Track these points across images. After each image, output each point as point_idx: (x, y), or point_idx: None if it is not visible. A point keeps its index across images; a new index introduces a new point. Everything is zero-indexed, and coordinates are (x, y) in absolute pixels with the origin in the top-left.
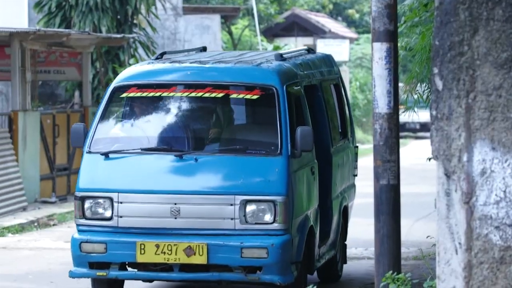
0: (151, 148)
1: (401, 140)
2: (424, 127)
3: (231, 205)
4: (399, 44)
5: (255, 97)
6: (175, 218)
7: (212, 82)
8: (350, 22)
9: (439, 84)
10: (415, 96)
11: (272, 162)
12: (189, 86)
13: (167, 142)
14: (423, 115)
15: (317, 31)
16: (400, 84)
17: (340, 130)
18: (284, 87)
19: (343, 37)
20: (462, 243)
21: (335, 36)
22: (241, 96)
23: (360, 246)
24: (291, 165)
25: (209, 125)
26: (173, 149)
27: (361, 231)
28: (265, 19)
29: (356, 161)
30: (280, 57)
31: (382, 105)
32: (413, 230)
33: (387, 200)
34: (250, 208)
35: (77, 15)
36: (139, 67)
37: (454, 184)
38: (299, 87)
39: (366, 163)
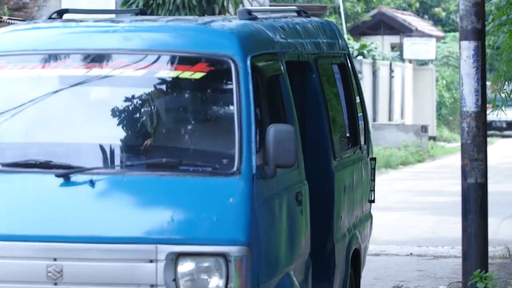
0: (17, 164)
1: (487, 139)
2: (510, 125)
3: (151, 261)
4: (486, 43)
5: (198, 75)
6: (55, 284)
7: (125, 51)
8: (436, 21)
9: None
10: (503, 95)
11: (224, 187)
12: (86, 59)
13: (45, 153)
14: (510, 114)
15: (404, 30)
16: (487, 83)
17: (348, 134)
18: (249, 59)
19: (430, 36)
20: None
21: (422, 34)
22: (174, 74)
23: (446, 244)
24: (257, 190)
25: (118, 124)
26: (54, 164)
27: (448, 229)
28: (352, 17)
29: (374, 180)
30: (248, 14)
31: (469, 104)
32: (500, 229)
33: (475, 199)
34: (184, 266)
35: (164, 14)
36: (6, 29)
37: None
38: (276, 61)
39: (452, 162)
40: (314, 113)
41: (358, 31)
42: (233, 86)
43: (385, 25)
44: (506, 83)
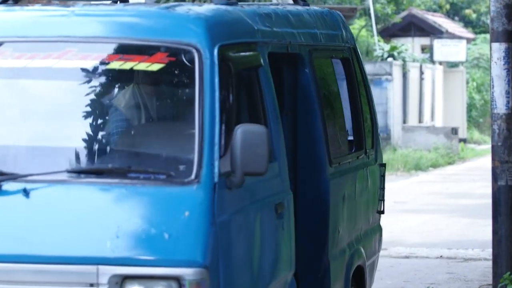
0: None
1: None
2: None
3: (91, 285)
4: None
5: (155, 67)
6: None
7: (72, 39)
8: (467, 22)
9: None
10: None
11: (179, 198)
12: (26, 48)
13: None
14: None
15: (434, 31)
16: None
17: (350, 138)
18: (216, 48)
19: (460, 37)
20: None
21: (452, 36)
22: (128, 65)
23: (477, 247)
24: (220, 202)
25: (59, 124)
26: None
27: (478, 232)
28: (382, 19)
29: (383, 188)
30: None
31: (500, 106)
32: None
33: (505, 201)
34: None
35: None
36: None
37: None
38: (255, 52)
39: (482, 164)
40: (306, 113)
41: (388, 33)
42: (196, 79)
43: (415, 27)
44: None
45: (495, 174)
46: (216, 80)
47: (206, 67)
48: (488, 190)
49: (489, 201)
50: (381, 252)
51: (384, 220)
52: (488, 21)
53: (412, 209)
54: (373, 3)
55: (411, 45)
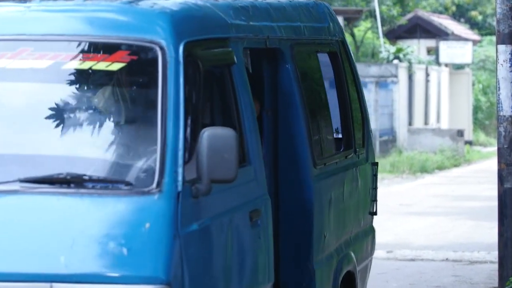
0: None
1: None
2: None
3: None
4: None
5: (116, 66)
6: None
7: (26, 37)
8: (473, 24)
9: None
10: None
11: (139, 209)
12: None
13: None
14: None
15: (440, 33)
16: None
17: (338, 136)
18: (182, 45)
19: (466, 39)
20: None
21: (458, 38)
22: (86, 65)
23: (482, 249)
24: (184, 213)
25: (10, 128)
26: None
27: (484, 234)
28: (388, 21)
29: (375, 188)
30: None
31: (506, 108)
32: None
33: (511, 204)
34: None
35: None
36: None
37: None
38: (228, 49)
39: (488, 166)
40: (288, 112)
41: (394, 35)
42: (159, 79)
43: (421, 29)
44: None
45: (501, 176)
46: (181, 79)
47: (170, 66)
48: (494, 193)
49: (495, 203)
50: (387, 255)
51: (389, 223)
52: (494, 23)
53: (418, 212)
54: (379, 5)
55: (417, 47)
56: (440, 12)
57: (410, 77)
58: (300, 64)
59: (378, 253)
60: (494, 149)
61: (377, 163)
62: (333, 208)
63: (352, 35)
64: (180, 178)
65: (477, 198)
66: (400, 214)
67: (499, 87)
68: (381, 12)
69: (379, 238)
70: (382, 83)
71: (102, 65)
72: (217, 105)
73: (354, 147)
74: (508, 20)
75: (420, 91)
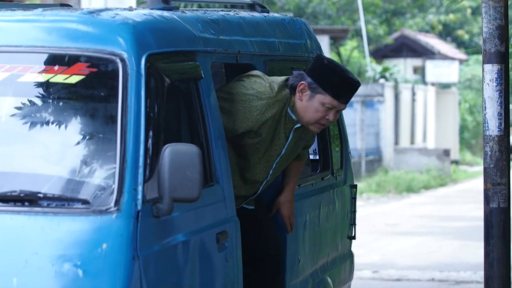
0: None
1: (511, 163)
2: None
3: None
4: (510, 66)
5: (74, 79)
6: None
7: None
8: (459, 43)
9: None
10: None
11: (96, 229)
12: None
13: None
14: None
15: (426, 52)
16: (511, 106)
17: (315, 157)
18: (144, 58)
19: (452, 59)
20: None
21: (444, 57)
22: (43, 77)
23: (469, 269)
24: (144, 233)
25: None
26: None
27: (470, 254)
28: (374, 40)
29: (354, 211)
30: (163, 2)
31: (492, 128)
32: None
33: (497, 224)
34: None
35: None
36: None
37: None
38: (195, 62)
39: (475, 186)
40: None
41: (381, 54)
42: (119, 92)
43: (407, 48)
44: None
45: (487, 196)
46: (143, 93)
47: (132, 79)
48: (480, 213)
49: (481, 223)
50: (373, 275)
51: (375, 243)
52: (481, 42)
53: (404, 231)
54: (365, 24)
55: (403, 66)
56: (427, 31)
57: (397, 96)
58: None
59: (364, 273)
60: (480, 168)
61: (356, 185)
62: (308, 231)
63: (338, 54)
64: (140, 196)
65: (463, 218)
66: (386, 234)
67: (485, 107)
68: (367, 31)
69: (365, 258)
70: (368, 102)
71: (60, 78)
72: (182, 120)
73: (331, 169)
74: (494, 39)
75: (407, 111)
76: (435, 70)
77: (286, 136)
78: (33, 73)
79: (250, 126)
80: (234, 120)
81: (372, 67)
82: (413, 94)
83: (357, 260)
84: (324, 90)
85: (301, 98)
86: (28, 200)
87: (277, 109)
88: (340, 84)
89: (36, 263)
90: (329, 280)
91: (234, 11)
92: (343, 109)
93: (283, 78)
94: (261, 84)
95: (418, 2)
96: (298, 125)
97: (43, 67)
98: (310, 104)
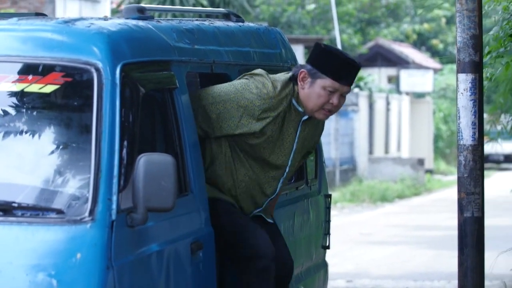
0: None
1: (484, 172)
2: (508, 158)
3: None
4: (484, 75)
5: (49, 89)
6: None
7: None
8: (434, 53)
9: None
10: (499, 127)
11: (70, 238)
12: None
13: None
14: (506, 147)
15: (401, 62)
16: (484, 115)
17: None
18: (119, 67)
19: (427, 68)
20: None
21: (419, 66)
22: (18, 87)
23: (443, 279)
24: (119, 243)
25: None
26: None
27: (444, 263)
28: (349, 49)
29: (328, 221)
30: (137, 12)
31: (466, 137)
32: (497, 263)
33: (471, 233)
34: None
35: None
36: None
37: None
38: (169, 72)
39: (449, 195)
40: None
41: None
42: (94, 102)
43: (382, 57)
44: (503, 115)
45: (461, 205)
46: (118, 102)
47: (106, 88)
48: (454, 222)
49: (455, 232)
50: (347, 284)
51: (349, 252)
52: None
53: (378, 241)
54: (340, 34)
55: (377, 76)
56: (401, 41)
57: (371, 106)
58: None
59: (338, 282)
60: (454, 177)
61: (331, 195)
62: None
63: None
64: (114, 206)
65: (437, 227)
66: (360, 243)
67: (459, 116)
68: (342, 41)
69: (339, 267)
70: (342, 111)
71: (35, 87)
72: (157, 130)
73: (306, 178)
74: (469, 49)
75: (381, 120)
76: (409, 80)
77: (295, 129)
78: (8, 83)
79: (252, 126)
80: (234, 120)
81: None
82: (388, 103)
83: (331, 269)
84: (324, 73)
85: (303, 86)
86: (2, 209)
87: (282, 107)
88: (338, 65)
89: (10, 273)
90: None
91: (209, 20)
92: (347, 92)
93: (287, 75)
94: (264, 84)
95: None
96: (305, 117)
97: (17, 76)
98: (312, 90)
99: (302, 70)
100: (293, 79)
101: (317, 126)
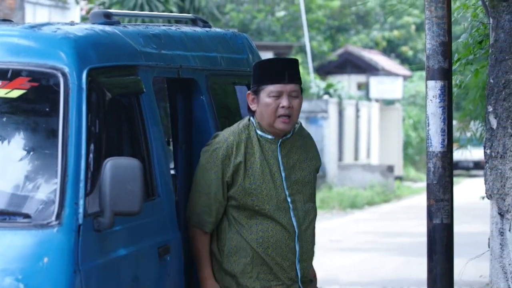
0: None
1: (454, 179)
2: (477, 165)
3: None
4: (453, 82)
5: (15, 93)
6: None
7: None
8: (403, 60)
9: (494, 122)
10: (468, 134)
11: (38, 243)
12: None
13: None
14: (476, 153)
15: (370, 69)
16: (454, 122)
17: None
18: (85, 72)
19: (396, 75)
20: None
21: (388, 73)
22: None
23: (412, 285)
24: (86, 247)
25: None
26: None
27: (414, 270)
28: (318, 56)
29: None
30: (104, 18)
31: (435, 144)
32: (466, 270)
33: (440, 240)
34: None
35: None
36: None
37: (508, 223)
38: (136, 77)
39: (418, 202)
40: (202, 146)
41: (325, 70)
42: (60, 107)
43: (351, 64)
44: (472, 122)
45: (430, 212)
46: (84, 107)
47: (73, 93)
48: (424, 229)
49: (424, 239)
50: None
51: (319, 259)
52: (425, 59)
53: (348, 248)
54: (310, 41)
55: (347, 83)
56: (371, 48)
57: (341, 113)
58: (216, 95)
59: None
60: (424, 184)
61: None
62: None
63: None
64: (81, 210)
65: (406, 234)
66: (330, 250)
67: (428, 123)
68: (311, 48)
69: None
70: (312, 118)
71: (1, 92)
72: (124, 134)
73: None
74: (438, 56)
75: (351, 127)
76: (379, 87)
77: (276, 158)
78: None
79: (224, 180)
80: (217, 186)
81: (316, 84)
82: (357, 110)
83: None
84: (262, 83)
85: (254, 107)
86: None
87: (244, 142)
88: (269, 68)
89: None
90: None
91: (176, 26)
92: (294, 90)
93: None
94: (219, 136)
95: (361, 11)
96: (279, 141)
97: None
98: (260, 104)
99: (248, 93)
100: (249, 111)
101: (305, 145)
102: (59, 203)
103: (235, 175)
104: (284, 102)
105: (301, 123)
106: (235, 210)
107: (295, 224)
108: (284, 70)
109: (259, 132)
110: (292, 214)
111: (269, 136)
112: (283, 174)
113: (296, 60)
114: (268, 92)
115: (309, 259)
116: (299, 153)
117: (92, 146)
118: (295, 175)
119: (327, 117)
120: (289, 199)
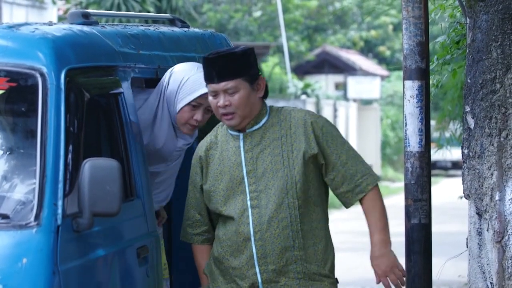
0: None
1: (432, 179)
2: (455, 165)
3: None
4: (430, 82)
5: None
6: None
7: None
8: (381, 59)
9: (471, 122)
10: (447, 134)
11: (16, 243)
12: None
13: None
14: (454, 153)
15: (348, 69)
16: (432, 122)
17: None
18: (63, 72)
19: (374, 75)
20: (494, 283)
21: (366, 73)
22: None
23: None
24: (64, 248)
25: None
26: None
27: None
28: (296, 56)
29: None
30: (82, 18)
31: (413, 144)
32: (445, 270)
33: (418, 240)
34: None
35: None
36: None
37: (486, 223)
38: (115, 77)
39: (396, 202)
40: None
41: (302, 70)
42: (39, 107)
43: (329, 64)
44: (451, 122)
45: (408, 212)
46: (62, 107)
47: (51, 93)
48: (402, 228)
49: (402, 239)
50: None
51: None
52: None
53: None
54: (287, 41)
55: (325, 83)
56: (348, 48)
57: (318, 113)
58: None
59: None
60: (402, 184)
61: None
62: None
63: (260, 70)
64: (60, 211)
65: None
66: None
67: (406, 123)
68: (289, 48)
69: None
70: None
71: None
72: (102, 135)
73: None
74: (415, 55)
75: None
76: (357, 86)
77: (239, 154)
78: None
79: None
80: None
81: (293, 84)
82: (335, 110)
83: None
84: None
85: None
86: None
87: (208, 145)
88: (204, 66)
89: None
90: None
91: (154, 26)
92: (230, 86)
93: None
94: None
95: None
96: (241, 134)
97: None
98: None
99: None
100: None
101: (287, 132)
102: (37, 204)
103: (204, 180)
104: (220, 101)
105: (294, 108)
106: (215, 214)
107: (251, 224)
108: (212, 69)
109: (228, 129)
110: (250, 213)
111: (234, 132)
112: (244, 170)
113: (233, 53)
114: (209, 91)
115: (279, 260)
116: (270, 140)
117: (70, 147)
118: (262, 165)
119: None
120: (248, 197)
